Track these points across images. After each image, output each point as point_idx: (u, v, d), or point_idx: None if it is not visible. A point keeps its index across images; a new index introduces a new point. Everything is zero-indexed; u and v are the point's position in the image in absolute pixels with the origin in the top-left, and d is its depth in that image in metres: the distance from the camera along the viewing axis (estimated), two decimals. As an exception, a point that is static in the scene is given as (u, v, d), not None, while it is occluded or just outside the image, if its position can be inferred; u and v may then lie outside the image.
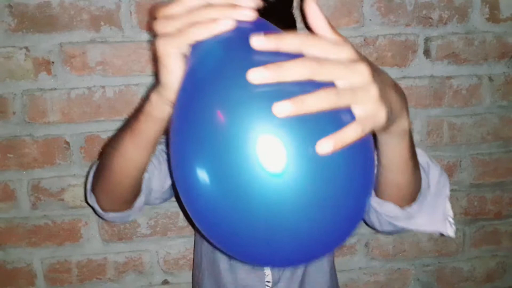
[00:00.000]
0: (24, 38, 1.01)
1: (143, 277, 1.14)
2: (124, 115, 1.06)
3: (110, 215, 0.75)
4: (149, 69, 1.05)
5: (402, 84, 1.12)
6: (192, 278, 1.02)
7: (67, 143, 1.06)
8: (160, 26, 0.43)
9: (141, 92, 1.06)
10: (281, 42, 0.37)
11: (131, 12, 1.02)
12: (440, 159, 1.17)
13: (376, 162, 0.56)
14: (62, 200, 1.08)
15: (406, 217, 0.64)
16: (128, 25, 1.02)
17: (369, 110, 0.38)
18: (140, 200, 0.74)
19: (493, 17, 1.12)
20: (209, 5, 0.40)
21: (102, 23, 1.02)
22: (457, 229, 1.20)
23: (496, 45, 1.14)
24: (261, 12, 0.77)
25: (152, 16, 0.45)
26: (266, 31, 0.39)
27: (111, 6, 1.01)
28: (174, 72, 0.45)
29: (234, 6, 0.40)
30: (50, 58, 1.02)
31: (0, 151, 1.05)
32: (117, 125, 1.06)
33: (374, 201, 0.65)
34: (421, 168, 0.62)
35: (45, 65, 1.02)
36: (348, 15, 1.08)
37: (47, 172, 1.06)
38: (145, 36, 1.03)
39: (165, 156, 0.81)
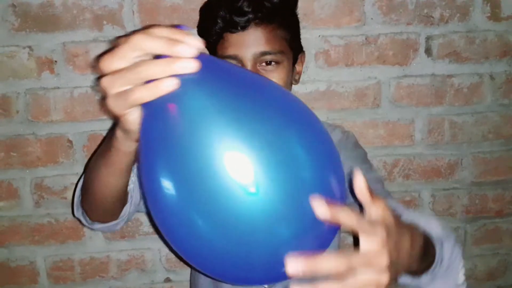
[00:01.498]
0: (27, 38, 1.01)
1: (146, 275, 1.15)
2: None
3: (96, 226, 0.78)
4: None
5: (404, 82, 1.13)
6: (190, 276, 1.02)
7: (70, 141, 1.07)
8: (108, 85, 0.42)
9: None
10: (317, 265, 0.39)
11: (133, 12, 1.02)
12: (441, 157, 1.17)
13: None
14: (65, 198, 1.09)
15: (416, 285, 0.66)
16: (130, 25, 1.03)
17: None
18: (125, 210, 0.76)
19: (494, 15, 1.13)
20: (151, 62, 0.40)
21: (105, 22, 1.02)
22: (458, 227, 1.21)
23: (497, 43, 1.14)
24: (265, 13, 0.78)
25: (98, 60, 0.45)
26: (211, 69, 0.42)
27: (114, 6, 1.02)
28: (132, 122, 0.46)
29: (176, 59, 0.39)
30: (53, 57, 1.03)
31: (3, 150, 1.05)
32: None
33: None
34: (435, 243, 0.64)
35: (48, 64, 1.03)
36: (349, 14, 1.08)
37: (50, 170, 1.07)
38: (147, 35, 1.04)
39: None
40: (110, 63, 0.42)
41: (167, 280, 1.16)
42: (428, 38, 1.12)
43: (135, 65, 0.40)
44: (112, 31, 1.03)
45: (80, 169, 1.08)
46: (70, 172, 1.08)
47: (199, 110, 0.39)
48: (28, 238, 1.10)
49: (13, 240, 1.10)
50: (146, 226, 1.13)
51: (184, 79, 0.39)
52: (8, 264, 1.11)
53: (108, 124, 1.06)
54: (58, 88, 1.04)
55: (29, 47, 1.02)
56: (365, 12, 1.08)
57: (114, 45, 0.43)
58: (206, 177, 0.39)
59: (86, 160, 1.07)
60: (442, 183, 1.19)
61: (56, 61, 1.03)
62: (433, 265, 0.64)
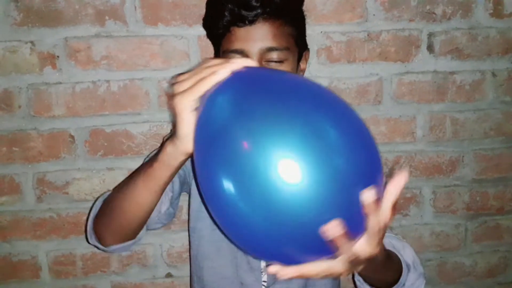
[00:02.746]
0: (29, 33, 1.01)
1: (147, 270, 1.15)
2: (129, 109, 1.07)
3: (112, 248, 0.78)
4: (153, 63, 1.05)
5: (405, 79, 1.12)
6: (190, 271, 1.02)
7: (72, 136, 1.07)
8: (176, 87, 0.54)
9: (145, 86, 1.06)
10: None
11: (135, 7, 1.02)
12: (442, 154, 1.17)
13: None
14: (67, 193, 1.09)
15: None
16: (132, 20, 1.03)
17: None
18: (143, 231, 0.78)
19: (497, 12, 1.12)
20: (210, 64, 0.54)
21: (107, 17, 1.02)
22: (459, 224, 1.21)
23: (500, 40, 1.14)
24: (273, 8, 0.78)
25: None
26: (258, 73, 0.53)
27: (116, 1, 1.02)
28: (189, 124, 0.53)
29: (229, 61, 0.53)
30: (55, 52, 1.03)
31: (5, 145, 1.06)
32: (121, 119, 1.07)
33: (356, 278, 0.77)
34: (404, 265, 0.74)
35: (50, 59, 1.03)
36: (352, 10, 1.08)
37: (52, 165, 1.07)
38: (149, 30, 1.04)
39: None
40: (183, 75, 0.56)
41: (168, 275, 1.16)
42: (430, 35, 1.11)
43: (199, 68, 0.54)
44: (114, 26, 1.03)
45: (81, 164, 1.08)
46: (72, 167, 1.08)
47: (251, 118, 0.46)
48: (30, 232, 1.10)
49: (15, 235, 1.10)
50: (148, 222, 1.13)
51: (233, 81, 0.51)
52: (10, 258, 1.11)
53: (110, 119, 1.07)
54: (60, 83, 1.04)
55: (31, 42, 1.02)
56: (367, 8, 1.08)
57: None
58: (258, 175, 0.44)
59: (87, 155, 1.08)
60: (443, 180, 1.19)
61: (58, 56, 1.03)
62: (397, 285, 0.72)
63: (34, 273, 1.12)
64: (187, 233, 1.14)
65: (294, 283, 0.88)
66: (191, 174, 0.92)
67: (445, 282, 1.25)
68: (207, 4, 0.91)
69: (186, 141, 0.56)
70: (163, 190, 0.67)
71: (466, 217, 1.22)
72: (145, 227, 0.78)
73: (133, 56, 1.05)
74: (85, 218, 1.11)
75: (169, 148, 0.60)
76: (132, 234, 0.77)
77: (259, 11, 0.76)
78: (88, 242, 0.82)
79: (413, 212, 1.20)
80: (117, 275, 1.14)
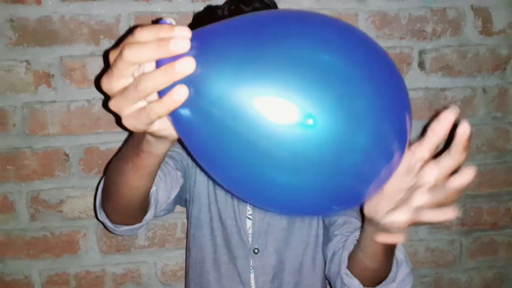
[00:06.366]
0: (25, 52, 1.02)
1: (141, 289, 1.14)
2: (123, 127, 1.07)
3: (121, 229, 0.77)
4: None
5: (397, 96, 1.14)
6: (185, 285, 1.02)
7: (67, 155, 1.07)
8: (117, 107, 0.41)
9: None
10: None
11: (130, 26, 1.04)
12: (436, 170, 1.18)
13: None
14: (61, 211, 1.09)
15: None
16: (127, 39, 1.04)
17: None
18: (150, 213, 0.76)
19: (486, 30, 1.15)
20: (153, 75, 0.38)
21: (102, 36, 1.04)
22: (453, 239, 1.21)
23: (489, 57, 1.16)
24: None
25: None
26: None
27: (111, 21, 1.03)
28: (160, 130, 0.44)
29: (174, 64, 0.37)
30: (50, 71, 1.04)
31: (-1, 163, 1.06)
32: (116, 137, 1.07)
33: (343, 271, 0.71)
34: (394, 261, 0.68)
35: (45, 78, 1.04)
36: (343, 29, 1.10)
37: (46, 183, 1.07)
38: (144, 49, 1.05)
39: (169, 168, 0.82)
40: (111, 85, 0.40)
41: (163, 293, 1.15)
42: (421, 52, 1.13)
43: (138, 81, 0.38)
44: (108, 45, 1.04)
45: (76, 182, 1.08)
46: (66, 185, 1.08)
47: (226, 82, 0.38)
48: (23, 251, 1.10)
49: (8, 254, 1.09)
50: (142, 240, 1.12)
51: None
52: (3, 278, 1.10)
53: (105, 137, 1.07)
54: (55, 101, 1.05)
55: (27, 61, 1.03)
56: (358, 26, 1.10)
57: (108, 59, 0.41)
58: (262, 132, 0.38)
59: (82, 173, 1.08)
60: (437, 195, 1.19)
61: (53, 75, 1.04)
62: (385, 281, 0.68)
63: (27, 293, 1.11)
64: (181, 252, 1.14)
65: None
66: (193, 167, 0.93)
67: (441, 298, 1.25)
68: (193, 21, 0.94)
69: (163, 136, 0.47)
70: (155, 173, 0.63)
71: (461, 233, 1.22)
72: (152, 210, 0.76)
73: (128, 74, 1.05)
74: (79, 236, 1.10)
75: (150, 139, 0.50)
76: (134, 217, 0.74)
77: None
78: (98, 219, 0.80)
79: (408, 228, 1.20)
80: (111, 294, 1.14)
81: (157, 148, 0.53)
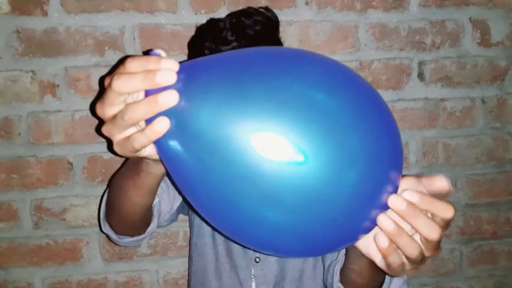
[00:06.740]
0: (30, 62, 1.04)
1: (143, 297, 1.15)
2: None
3: (125, 240, 0.79)
4: (151, 91, 1.08)
5: (397, 106, 1.15)
6: None
7: (70, 163, 1.08)
8: (108, 133, 0.42)
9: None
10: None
11: (134, 38, 1.06)
12: (435, 179, 1.19)
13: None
14: (64, 220, 1.10)
15: None
16: (131, 50, 1.06)
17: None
18: (153, 224, 0.78)
19: (484, 41, 1.16)
20: (138, 105, 0.39)
21: (107, 48, 1.05)
22: (454, 248, 1.22)
23: (488, 68, 1.17)
24: (248, 40, 0.81)
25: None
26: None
27: (116, 32, 1.05)
28: (150, 155, 0.45)
29: (158, 96, 0.39)
30: (56, 81, 1.05)
31: (4, 172, 1.07)
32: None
33: (336, 285, 0.72)
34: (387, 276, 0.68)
35: (50, 88, 1.05)
36: (344, 40, 1.12)
37: (50, 192, 1.08)
38: (147, 60, 1.07)
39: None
40: (103, 111, 0.42)
41: (164, 302, 1.16)
42: (420, 63, 1.15)
43: (124, 110, 0.40)
44: (113, 56, 1.06)
45: (79, 191, 1.09)
46: (70, 194, 1.09)
47: (210, 115, 0.39)
48: (26, 259, 1.10)
49: (11, 262, 1.10)
50: (144, 248, 1.13)
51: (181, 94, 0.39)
52: (6, 286, 1.11)
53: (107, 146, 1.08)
54: (60, 111, 1.06)
55: (32, 71, 1.04)
56: (359, 38, 1.12)
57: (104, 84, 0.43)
58: (238, 168, 0.38)
59: (85, 182, 1.09)
60: (437, 204, 1.20)
61: (58, 85, 1.06)
62: None
63: (30, 301, 1.12)
64: (183, 260, 1.14)
65: None
66: None
67: (442, 307, 1.25)
68: (188, 45, 0.97)
69: (157, 160, 0.47)
70: (155, 191, 0.65)
71: (461, 242, 1.23)
72: (155, 221, 0.78)
73: (132, 84, 1.07)
74: (81, 244, 1.11)
75: (148, 161, 0.52)
76: (136, 229, 0.76)
77: (235, 44, 0.80)
78: (102, 231, 0.81)
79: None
80: (113, 302, 1.14)
81: (155, 169, 0.54)
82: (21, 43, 1.03)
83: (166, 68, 0.39)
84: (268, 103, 0.38)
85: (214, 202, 0.41)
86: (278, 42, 0.92)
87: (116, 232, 0.77)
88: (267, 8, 0.90)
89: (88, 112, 1.07)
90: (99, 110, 0.42)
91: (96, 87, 1.06)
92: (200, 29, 0.93)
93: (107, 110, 0.41)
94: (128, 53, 1.06)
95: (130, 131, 0.42)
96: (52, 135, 1.07)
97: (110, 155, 1.09)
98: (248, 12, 0.86)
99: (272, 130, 0.37)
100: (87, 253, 1.12)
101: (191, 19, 1.06)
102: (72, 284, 1.12)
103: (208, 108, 0.39)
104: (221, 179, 0.39)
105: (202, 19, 0.99)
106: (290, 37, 1.08)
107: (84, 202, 1.09)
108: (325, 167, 0.38)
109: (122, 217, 0.71)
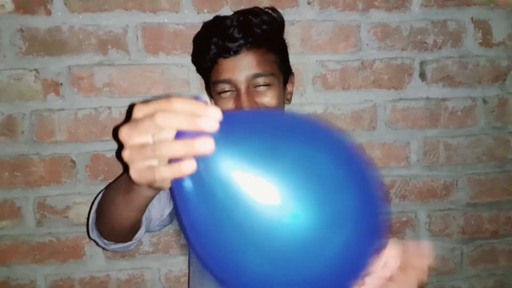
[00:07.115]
0: (34, 61, 1.05)
1: (145, 295, 1.16)
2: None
3: (112, 247, 0.80)
4: (154, 91, 1.09)
5: (399, 106, 1.16)
6: None
7: (73, 161, 1.09)
8: (130, 159, 0.43)
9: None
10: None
11: (137, 37, 1.06)
12: (436, 178, 1.20)
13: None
14: (67, 217, 1.10)
15: None
16: (134, 49, 1.06)
17: None
18: (141, 232, 0.80)
19: (486, 41, 1.17)
20: (174, 143, 0.40)
21: (110, 46, 1.06)
22: (454, 247, 1.22)
23: (489, 68, 1.17)
24: (255, 38, 0.83)
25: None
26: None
27: (119, 31, 1.06)
28: (158, 187, 0.46)
29: (196, 141, 0.39)
30: (59, 80, 1.06)
31: (7, 170, 1.08)
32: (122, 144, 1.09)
33: None
34: None
35: (53, 86, 1.06)
36: (346, 40, 1.12)
37: (53, 190, 1.09)
38: (150, 59, 1.07)
39: None
40: (131, 138, 0.42)
41: (166, 299, 1.17)
42: (422, 63, 1.15)
43: (158, 144, 0.40)
44: (116, 55, 1.06)
45: (82, 189, 1.10)
46: (73, 192, 1.10)
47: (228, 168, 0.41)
48: (29, 256, 1.11)
49: (14, 259, 1.11)
50: (146, 246, 1.14)
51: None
52: (9, 283, 1.12)
53: (111, 145, 1.09)
54: (63, 109, 1.07)
55: (36, 70, 1.05)
56: (361, 38, 1.12)
57: (134, 111, 0.42)
58: (252, 224, 0.41)
59: (88, 180, 1.10)
60: (438, 204, 1.21)
61: (61, 84, 1.06)
62: None
63: (32, 298, 1.13)
64: (185, 258, 1.15)
65: None
66: None
67: (442, 306, 1.25)
68: (194, 40, 0.98)
69: (156, 188, 0.48)
70: (145, 208, 0.67)
71: (462, 241, 1.23)
72: (142, 228, 0.79)
73: (135, 83, 1.08)
74: (84, 242, 1.12)
75: (140, 187, 0.55)
76: (124, 237, 0.78)
77: (242, 41, 0.81)
78: (89, 237, 0.83)
79: (409, 235, 1.21)
80: (115, 300, 1.15)
81: (146, 191, 0.56)
82: (25, 42, 1.04)
83: (211, 115, 0.39)
84: (285, 167, 0.42)
85: (210, 241, 0.43)
86: (283, 43, 0.93)
87: (105, 239, 0.79)
88: (273, 9, 0.91)
89: (91, 111, 1.08)
90: (126, 135, 0.42)
91: (99, 85, 1.07)
92: (207, 25, 0.94)
93: (137, 137, 0.41)
94: (131, 52, 1.06)
95: (154, 162, 0.42)
96: (55, 133, 1.08)
97: (113, 153, 1.09)
98: (255, 12, 0.87)
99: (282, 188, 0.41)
100: (90, 250, 1.12)
101: (194, 19, 1.07)
102: (75, 282, 1.13)
103: (238, 159, 0.41)
104: (224, 229, 0.42)
105: (205, 19, 1.00)
106: (292, 36, 1.09)
107: (86, 200, 1.10)
108: (314, 225, 0.41)
109: (110, 226, 0.73)
